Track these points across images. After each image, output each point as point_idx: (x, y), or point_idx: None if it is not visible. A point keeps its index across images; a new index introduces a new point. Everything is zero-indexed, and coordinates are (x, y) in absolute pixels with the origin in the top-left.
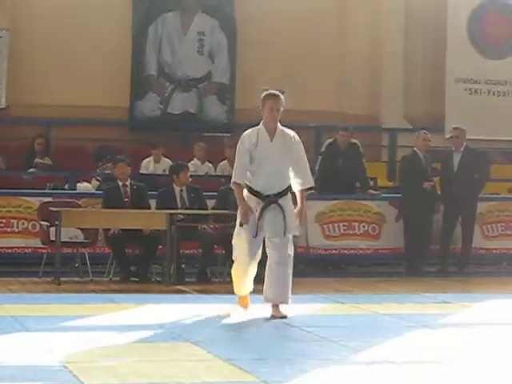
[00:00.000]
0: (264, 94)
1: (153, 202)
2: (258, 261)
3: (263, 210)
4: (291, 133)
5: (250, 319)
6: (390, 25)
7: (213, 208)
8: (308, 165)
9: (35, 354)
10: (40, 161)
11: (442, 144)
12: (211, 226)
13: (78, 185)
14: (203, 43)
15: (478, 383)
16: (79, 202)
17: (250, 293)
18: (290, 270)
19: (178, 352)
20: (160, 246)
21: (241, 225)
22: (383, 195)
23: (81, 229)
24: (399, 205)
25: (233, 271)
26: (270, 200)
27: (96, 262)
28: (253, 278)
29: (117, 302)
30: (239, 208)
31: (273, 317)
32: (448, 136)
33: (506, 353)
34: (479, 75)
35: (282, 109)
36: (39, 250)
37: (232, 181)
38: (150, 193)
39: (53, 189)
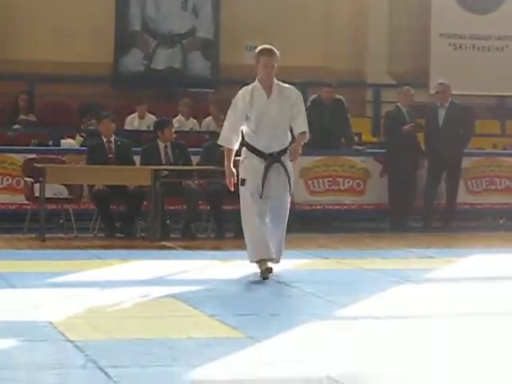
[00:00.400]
0: (258, 49)
1: (137, 159)
2: (266, 221)
3: (267, 168)
4: (290, 87)
5: (236, 276)
6: None
7: (197, 164)
8: (306, 117)
9: (21, 311)
10: (24, 117)
11: (427, 99)
12: (196, 182)
13: (62, 141)
14: None
15: (464, 337)
16: (63, 159)
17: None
18: (285, 230)
19: (164, 308)
20: (145, 202)
21: (242, 184)
22: (368, 151)
23: (65, 185)
24: (384, 160)
25: (246, 236)
26: (273, 159)
27: (80, 218)
28: (270, 245)
29: (102, 258)
30: (227, 177)
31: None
32: (433, 91)
33: (490, 307)
34: (464, 30)
35: (276, 64)
36: (24, 207)
37: (220, 140)
38: (134, 149)
39: (37, 145)
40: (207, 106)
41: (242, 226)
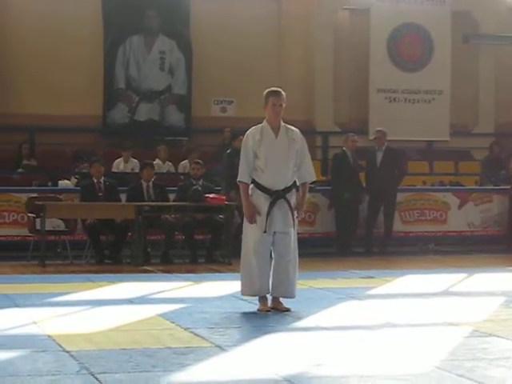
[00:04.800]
0: (266, 91)
1: (123, 196)
2: (268, 259)
3: (271, 205)
4: (295, 129)
5: (207, 295)
6: (322, 45)
7: (173, 200)
8: (311, 160)
9: (24, 326)
10: (27, 162)
11: (366, 144)
12: (172, 215)
13: (60, 182)
14: (164, 61)
15: (400, 346)
16: (60, 197)
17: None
18: (293, 266)
19: (145, 322)
20: (129, 233)
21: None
22: (317, 188)
23: (62, 219)
24: (331, 196)
25: (241, 270)
26: (277, 195)
27: (75, 247)
28: (269, 279)
29: (93, 281)
30: (244, 208)
31: (275, 309)
32: (372, 137)
33: (422, 319)
34: (397, 86)
35: (284, 105)
36: (27, 238)
37: (238, 180)
38: (120, 188)
39: (38, 186)
40: (181, 151)
41: (241, 260)
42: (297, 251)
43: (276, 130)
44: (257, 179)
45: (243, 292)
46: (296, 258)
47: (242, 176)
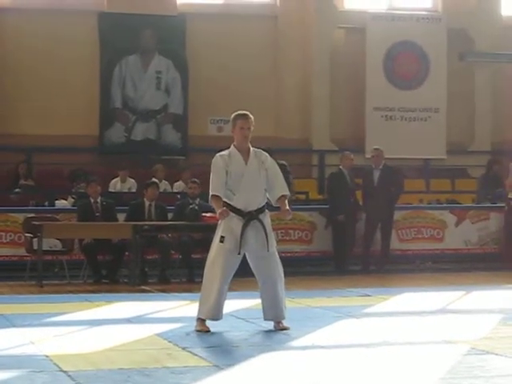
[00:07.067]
0: (233, 115)
1: (121, 216)
2: (228, 285)
3: (245, 226)
4: (263, 152)
5: None
6: (318, 63)
7: (171, 219)
8: (283, 179)
9: (21, 346)
10: (24, 182)
11: (363, 162)
12: (169, 234)
13: (57, 202)
14: (160, 80)
15: (398, 364)
16: (57, 217)
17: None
18: (281, 286)
19: (142, 342)
20: (126, 253)
21: (221, 241)
22: (314, 206)
23: (59, 239)
24: (328, 214)
25: (202, 291)
26: (251, 216)
27: (72, 267)
28: (222, 306)
29: (90, 301)
30: (218, 214)
31: (275, 329)
32: (369, 155)
33: (418, 337)
34: (393, 104)
35: (252, 128)
36: (24, 258)
37: (210, 194)
38: (117, 208)
39: (35, 206)
40: (178, 171)
41: (204, 280)
42: (282, 270)
43: (245, 153)
44: (229, 201)
45: (200, 314)
46: (282, 277)
47: (215, 190)
